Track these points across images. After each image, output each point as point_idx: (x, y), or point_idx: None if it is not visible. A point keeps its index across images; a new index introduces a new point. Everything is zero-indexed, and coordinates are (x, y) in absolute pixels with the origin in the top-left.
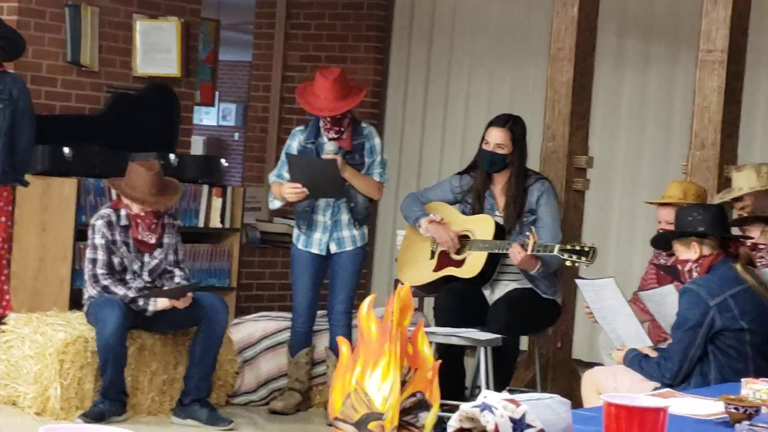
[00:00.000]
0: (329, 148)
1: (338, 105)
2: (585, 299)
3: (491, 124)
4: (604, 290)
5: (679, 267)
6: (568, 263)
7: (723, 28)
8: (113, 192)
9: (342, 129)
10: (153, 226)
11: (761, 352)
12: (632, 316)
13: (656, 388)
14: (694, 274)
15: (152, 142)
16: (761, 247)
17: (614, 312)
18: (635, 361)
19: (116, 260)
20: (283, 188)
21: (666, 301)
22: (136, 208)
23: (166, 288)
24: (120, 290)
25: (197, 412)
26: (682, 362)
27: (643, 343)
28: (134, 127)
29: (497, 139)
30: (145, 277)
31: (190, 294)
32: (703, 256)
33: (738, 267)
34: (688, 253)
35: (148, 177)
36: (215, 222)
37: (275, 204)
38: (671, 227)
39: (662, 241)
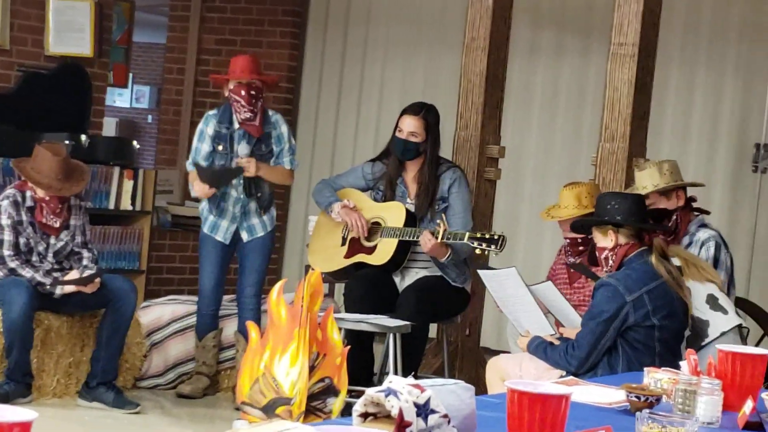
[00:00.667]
0: (243, 152)
1: (253, 75)
2: (488, 289)
3: (405, 112)
4: (507, 280)
5: (597, 254)
6: (478, 251)
7: (635, 22)
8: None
9: (255, 111)
10: (58, 210)
11: (668, 347)
12: (535, 305)
13: (562, 377)
14: (610, 262)
15: (63, 123)
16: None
17: (516, 302)
18: (540, 348)
19: (22, 241)
20: (194, 189)
21: (506, 284)
22: (41, 193)
23: (73, 272)
24: (27, 273)
25: (103, 395)
26: (590, 352)
27: (546, 332)
28: (45, 107)
29: (411, 127)
30: (50, 258)
31: (97, 279)
32: (618, 245)
33: (653, 259)
34: (605, 240)
35: (54, 162)
36: (126, 204)
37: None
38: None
39: (582, 227)
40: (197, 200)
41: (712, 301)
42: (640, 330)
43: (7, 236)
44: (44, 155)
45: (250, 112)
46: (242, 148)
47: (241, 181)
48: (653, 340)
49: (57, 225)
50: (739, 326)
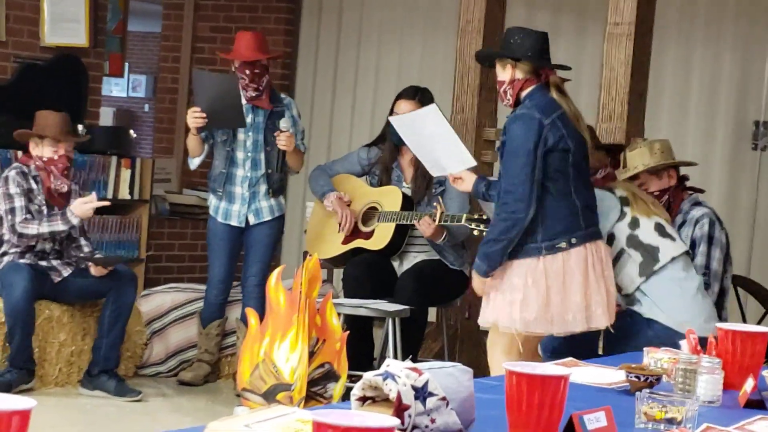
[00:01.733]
0: (284, 125)
1: (257, 54)
2: (401, 136)
3: (400, 96)
4: (426, 118)
5: (498, 87)
6: (475, 232)
7: (630, 0)
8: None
9: (260, 88)
10: (65, 171)
11: (580, 172)
12: (456, 138)
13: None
14: (508, 96)
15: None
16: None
17: (434, 140)
18: (483, 251)
19: (34, 208)
20: (187, 117)
21: (426, 123)
22: (48, 151)
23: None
24: (44, 227)
25: (105, 384)
26: (529, 186)
27: (468, 164)
28: (42, 98)
29: (407, 111)
30: (49, 243)
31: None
32: (515, 79)
33: (553, 94)
34: (503, 74)
35: (57, 117)
36: (124, 193)
37: (194, 162)
38: None
39: (485, 57)
40: (193, 188)
41: (660, 229)
42: (556, 155)
43: (18, 203)
44: (45, 114)
45: (255, 90)
46: (283, 122)
47: (250, 154)
48: (568, 165)
49: (65, 189)
50: (687, 252)
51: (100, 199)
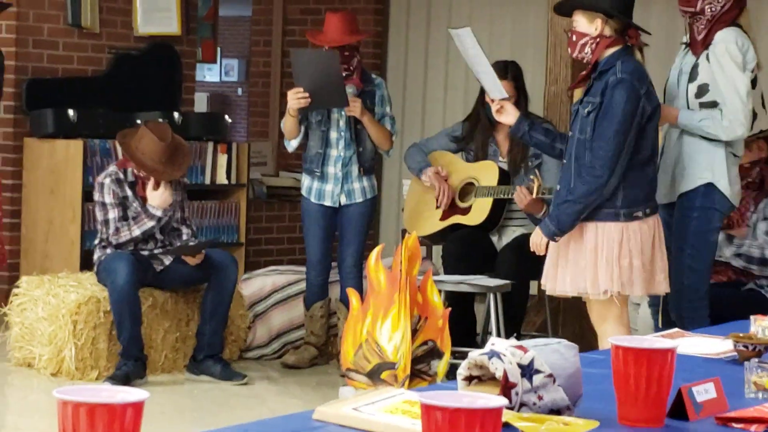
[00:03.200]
0: (349, 90)
1: (346, 37)
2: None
3: None
4: (465, 39)
5: (574, 38)
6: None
7: None
8: (119, 151)
9: (351, 69)
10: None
11: (654, 141)
12: (488, 66)
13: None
14: (587, 50)
15: (156, 102)
16: None
17: (475, 62)
18: (555, 213)
19: (131, 215)
20: (288, 99)
21: (466, 44)
22: (143, 173)
23: (179, 245)
24: (135, 231)
25: (211, 368)
26: (618, 155)
27: (501, 95)
28: (137, 87)
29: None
30: (158, 235)
31: (203, 251)
32: (602, 36)
33: (639, 57)
34: (589, 27)
35: (159, 147)
36: (221, 178)
37: (291, 144)
38: None
39: (567, 7)
40: (289, 170)
41: None
42: (647, 125)
43: (112, 214)
44: (149, 138)
45: (346, 71)
46: (349, 88)
47: (344, 133)
48: (652, 135)
49: None
50: None
51: (195, 246)
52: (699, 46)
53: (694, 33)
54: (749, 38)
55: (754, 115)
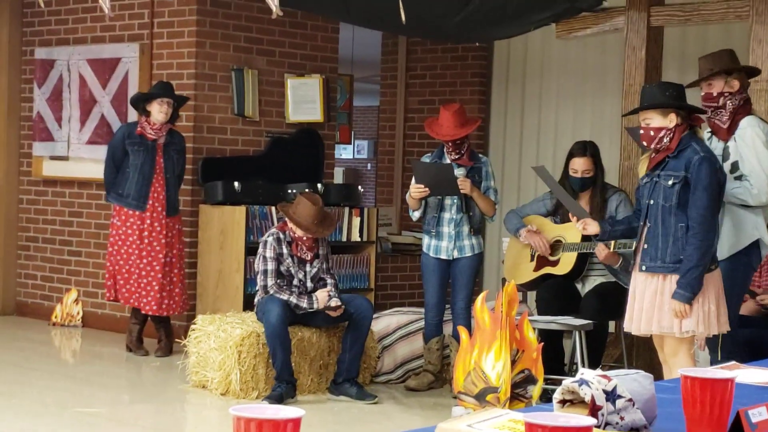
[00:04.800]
0: (459, 172)
1: (458, 131)
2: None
3: (573, 154)
4: (542, 172)
5: (652, 133)
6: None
7: (766, 61)
8: (275, 216)
9: (462, 152)
10: (311, 246)
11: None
12: (566, 193)
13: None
14: (665, 140)
15: (303, 175)
16: (726, 94)
17: (556, 189)
18: (690, 274)
19: (283, 268)
20: (410, 190)
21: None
22: (299, 233)
23: (321, 293)
24: (284, 296)
25: (348, 390)
26: (715, 218)
27: (582, 215)
28: (289, 164)
29: (583, 166)
30: (308, 284)
31: (342, 308)
32: (677, 125)
33: (701, 136)
34: (665, 121)
35: (312, 210)
36: (355, 236)
37: (415, 215)
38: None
39: (642, 108)
40: (410, 229)
41: None
42: (721, 192)
43: (270, 266)
44: (305, 203)
45: (457, 153)
46: (458, 171)
47: (456, 201)
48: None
49: (309, 258)
50: None
51: (333, 307)
52: (725, 133)
53: (717, 123)
54: (766, 122)
55: None
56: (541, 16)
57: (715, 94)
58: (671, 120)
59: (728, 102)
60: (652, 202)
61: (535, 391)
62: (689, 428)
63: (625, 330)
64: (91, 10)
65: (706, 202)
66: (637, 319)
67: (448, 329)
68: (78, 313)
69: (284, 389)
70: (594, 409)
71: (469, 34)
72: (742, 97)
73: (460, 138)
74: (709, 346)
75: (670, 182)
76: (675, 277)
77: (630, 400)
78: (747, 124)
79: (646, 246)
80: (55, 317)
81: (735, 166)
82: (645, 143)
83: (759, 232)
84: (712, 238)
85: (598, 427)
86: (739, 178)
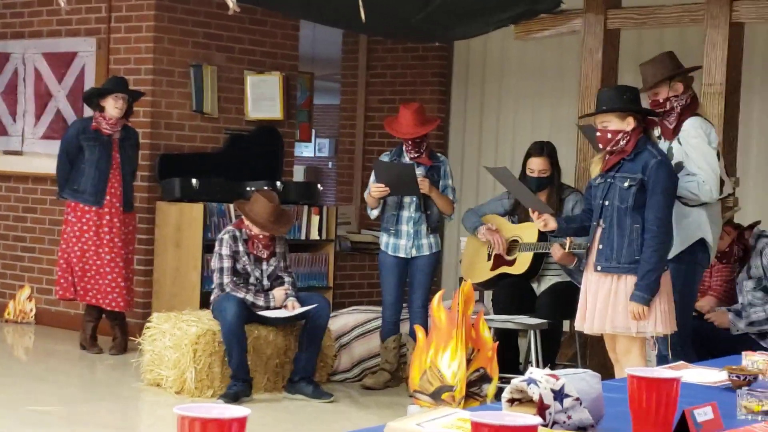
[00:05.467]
0: (419, 172)
1: (417, 130)
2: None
3: (531, 154)
4: (500, 175)
5: (609, 136)
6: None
7: (721, 65)
8: (233, 214)
9: (421, 151)
10: (267, 244)
11: None
12: (527, 190)
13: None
14: (621, 143)
15: (262, 173)
16: (672, 97)
17: (516, 190)
18: (645, 277)
19: (239, 266)
20: (370, 189)
21: (507, 180)
22: (255, 230)
23: (279, 291)
24: (241, 293)
25: (304, 389)
26: (671, 220)
27: (545, 210)
28: (247, 161)
29: (540, 166)
30: (265, 282)
31: (299, 308)
32: (635, 128)
33: (654, 139)
34: (622, 124)
35: (269, 207)
36: (314, 235)
37: (373, 213)
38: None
39: (599, 111)
40: (369, 228)
41: None
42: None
43: (226, 263)
44: (261, 201)
45: (417, 152)
46: (417, 170)
47: (415, 199)
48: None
49: (265, 256)
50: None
51: (296, 315)
52: (671, 134)
53: (666, 124)
54: (710, 123)
55: (722, 182)
56: (500, 17)
57: (661, 101)
58: (629, 123)
59: (675, 105)
60: (607, 203)
61: (490, 389)
62: (635, 427)
63: (576, 329)
64: (47, 3)
65: (664, 206)
66: (589, 319)
67: (405, 328)
68: (31, 310)
69: (240, 388)
70: (542, 408)
71: (428, 33)
72: (688, 95)
73: (419, 136)
74: (660, 345)
75: (626, 184)
76: (630, 278)
77: (577, 399)
78: (690, 125)
79: (601, 246)
80: (8, 314)
81: (678, 167)
82: (601, 145)
83: (702, 231)
84: (670, 241)
85: (545, 426)
86: None
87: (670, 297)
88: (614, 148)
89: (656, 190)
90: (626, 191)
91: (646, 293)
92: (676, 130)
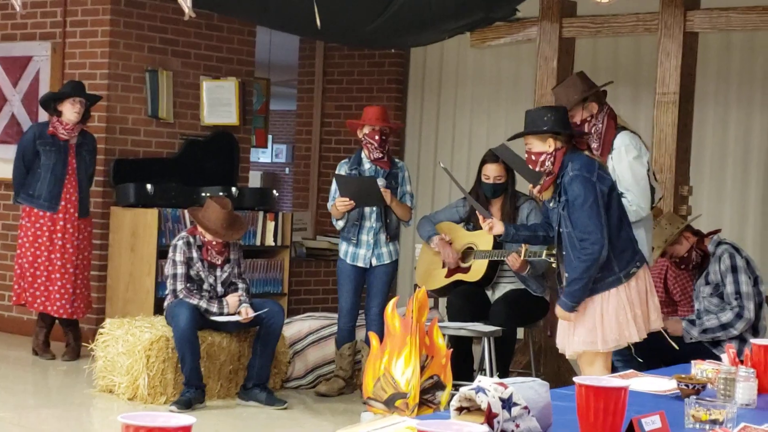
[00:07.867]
0: (381, 183)
1: (384, 122)
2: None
3: (486, 161)
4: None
5: (533, 158)
6: (554, 265)
7: (675, 74)
8: (187, 220)
9: (384, 152)
10: (221, 250)
11: (620, 203)
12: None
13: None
14: (547, 164)
15: (218, 178)
16: (588, 118)
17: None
18: (572, 287)
19: (193, 272)
20: (335, 203)
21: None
22: (208, 237)
23: (232, 298)
24: (194, 300)
25: (258, 395)
26: (601, 230)
27: (488, 215)
28: (203, 167)
29: (495, 172)
30: (219, 288)
31: (253, 315)
32: (557, 149)
33: (587, 153)
34: (543, 146)
35: (222, 214)
36: (269, 241)
37: (339, 224)
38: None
39: (520, 135)
40: (325, 234)
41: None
42: (609, 198)
43: (180, 270)
44: (213, 207)
45: (381, 152)
46: (380, 181)
47: (376, 209)
48: (615, 203)
49: (219, 262)
50: None
51: (249, 321)
52: (603, 154)
53: (593, 148)
54: (635, 133)
55: (652, 190)
56: (456, 25)
57: (579, 123)
58: (549, 144)
59: (593, 126)
60: (562, 230)
61: (443, 396)
62: None
63: (559, 350)
64: (2, 7)
65: (586, 217)
66: (561, 341)
67: (361, 335)
68: None
69: (193, 394)
70: (490, 417)
71: (384, 40)
72: (605, 113)
73: (384, 133)
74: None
75: (561, 208)
76: (592, 297)
77: (525, 407)
78: (620, 142)
79: (567, 274)
80: None
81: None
82: (530, 166)
83: (643, 249)
84: (599, 251)
85: None
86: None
87: (641, 302)
88: (542, 169)
89: (575, 205)
90: (563, 216)
91: (570, 300)
92: (606, 150)
